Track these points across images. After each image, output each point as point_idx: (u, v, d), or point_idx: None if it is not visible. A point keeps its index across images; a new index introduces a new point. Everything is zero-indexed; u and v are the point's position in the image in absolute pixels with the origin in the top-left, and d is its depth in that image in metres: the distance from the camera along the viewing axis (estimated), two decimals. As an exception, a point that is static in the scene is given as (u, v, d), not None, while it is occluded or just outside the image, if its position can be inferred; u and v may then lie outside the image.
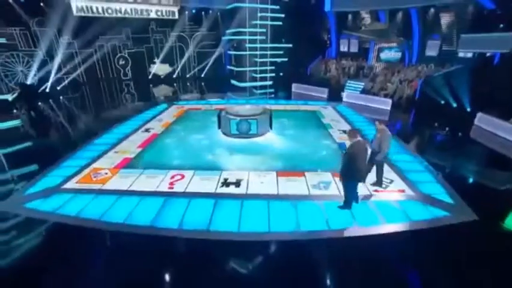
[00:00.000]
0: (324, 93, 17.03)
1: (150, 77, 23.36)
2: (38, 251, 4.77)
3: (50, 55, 18.52)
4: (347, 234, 4.89)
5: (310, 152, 8.44)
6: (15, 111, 13.93)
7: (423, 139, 10.63)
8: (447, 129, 11.70)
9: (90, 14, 16.61)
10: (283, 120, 11.43)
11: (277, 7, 19.44)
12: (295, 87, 18.80)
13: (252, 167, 7.29)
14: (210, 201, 5.79)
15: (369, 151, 5.76)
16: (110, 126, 10.84)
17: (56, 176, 6.85)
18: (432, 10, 16.44)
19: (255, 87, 19.94)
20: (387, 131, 6.06)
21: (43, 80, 18.33)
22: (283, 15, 19.71)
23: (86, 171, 7.13)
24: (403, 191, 6.18)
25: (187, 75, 24.34)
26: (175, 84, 21.97)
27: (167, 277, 4.20)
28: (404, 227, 5.08)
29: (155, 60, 23.09)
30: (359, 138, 5.11)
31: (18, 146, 9.51)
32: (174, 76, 24.03)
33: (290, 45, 21.29)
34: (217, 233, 4.92)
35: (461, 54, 15.64)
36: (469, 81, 13.33)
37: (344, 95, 16.00)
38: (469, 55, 15.55)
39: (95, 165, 7.48)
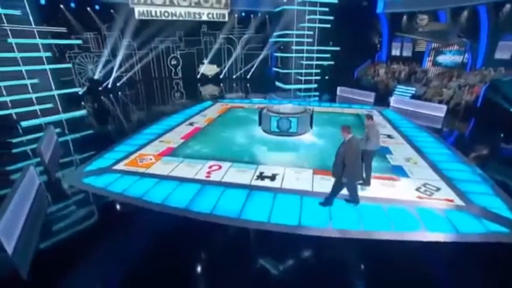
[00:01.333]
0: (370, 97, 16.22)
1: (198, 76, 24.59)
2: (86, 218, 5.39)
3: (113, 55, 20.61)
4: (382, 237, 4.60)
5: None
6: (82, 103, 15.78)
7: (484, 149, 9.49)
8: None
9: (149, 18, 18.12)
10: (324, 119, 11.21)
11: (327, 9, 19.16)
12: (340, 91, 18.21)
13: (288, 164, 7.26)
14: (243, 192, 5.90)
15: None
16: (158, 119, 11.69)
17: (109, 159, 7.62)
18: (508, 6, 14.36)
19: (299, 90, 19.83)
20: (376, 126, 6.12)
21: (106, 77, 20.45)
22: (332, 18, 19.36)
23: (134, 156, 7.79)
24: (452, 200, 5.61)
25: (234, 76, 25.11)
26: (221, 84, 22.81)
27: (192, 256, 4.36)
28: (449, 237, 4.60)
29: (204, 60, 24.27)
30: (352, 134, 4.96)
31: (83, 132, 10.88)
32: (221, 76, 24.97)
33: (338, 48, 20.80)
34: (247, 221, 4.99)
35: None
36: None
37: (392, 99, 15.05)
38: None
39: (142, 151, 8.13)
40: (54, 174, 7.04)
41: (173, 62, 24.22)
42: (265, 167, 7.08)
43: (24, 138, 9.84)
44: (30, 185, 5.81)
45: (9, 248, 4.21)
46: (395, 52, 21.15)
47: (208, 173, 6.75)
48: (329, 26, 19.67)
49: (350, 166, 4.84)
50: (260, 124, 9.89)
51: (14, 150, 8.84)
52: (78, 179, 6.57)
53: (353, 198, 5.41)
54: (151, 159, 7.57)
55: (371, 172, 6.16)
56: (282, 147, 8.57)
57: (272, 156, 7.94)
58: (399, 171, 6.89)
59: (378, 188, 6.06)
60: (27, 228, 4.87)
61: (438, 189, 6.00)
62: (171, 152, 8.11)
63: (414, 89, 16.02)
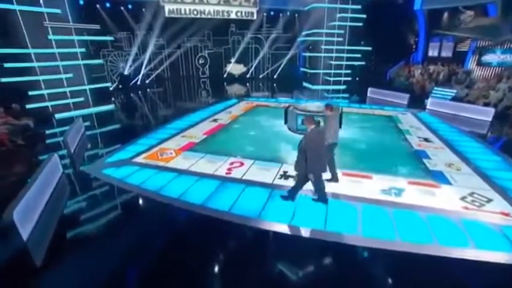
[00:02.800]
0: (404, 99, 15.11)
1: (225, 75, 24.60)
2: (104, 210, 5.27)
3: (143, 53, 21.16)
4: (422, 250, 3.97)
5: (382, 155, 7.46)
6: (112, 98, 16.23)
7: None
8: None
9: (179, 16, 18.33)
10: (353, 120, 10.57)
11: (359, 7, 18.30)
12: (371, 92, 17.21)
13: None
14: (265, 191, 5.51)
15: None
16: (182, 115, 11.65)
17: (130, 151, 7.59)
18: None
19: (327, 91, 19.10)
20: (334, 118, 5.72)
21: (135, 74, 21.03)
22: (364, 16, 18.46)
23: (155, 149, 7.68)
24: (508, 214, 4.81)
25: (260, 76, 24.82)
26: (247, 84, 22.60)
27: (205, 255, 4.03)
28: (508, 258, 3.87)
29: (231, 59, 24.24)
30: (315, 125, 4.63)
31: (109, 125, 11.19)
32: (248, 76, 24.78)
33: (369, 48, 19.81)
34: (267, 222, 4.59)
35: None
36: None
37: (429, 102, 13.89)
38: None
39: (163, 145, 8.02)
40: (78, 165, 7.08)
41: (201, 61, 24.46)
42: (289, 166, 6.62)
43: (57, 130, 10.18)
44: (52, 174, 5.82)
45: (25, 234, 4.14)
46: (433, 52, 19.72)
47: (229, 169, 6.43)
48: (360, 24, 18.77)
49: (312, 159, 4.51)
50: (286, 122, 9.45)
51: (48, 141, 9.15)
52: (98, 169, 6.55)
53: (321, 197, 5.02)
54: (171, 153, 7.42)
55: (335, 167, 5.77)
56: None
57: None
58: (439, 177, 6.13)
59: (415, 195, 5.40)
60: (45, 215, 4.82)
61: (489, 200, 5.21)
62: (192, 147, 7.92)
63: (454, 91, 14.74)
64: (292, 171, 6.27)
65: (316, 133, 4.62)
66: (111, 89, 17.76)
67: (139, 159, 7.05)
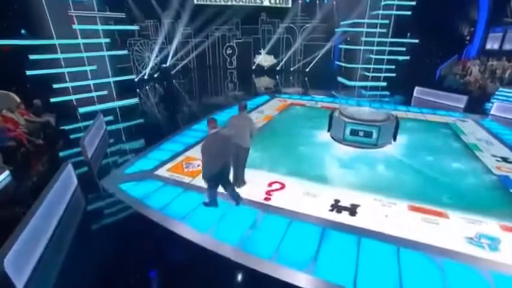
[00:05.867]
0: (460, 102, 13.12)
1: (254, 67, 23.35)
2: (115, 238, 4.49)
3: (170, 43, 20.38)
4: None
5: (454, 181, 5.99)
6: (137, 90, 15.58)
7: None
8: None
9: (207, 3, 17.19)
10: (406, 128, 9.02)
11: (408, -6, 16.13)
12: (417, 92, 15.26)
13: (371, 190, 5.47)
14: (315, 229, 4.35)
15: None
16: (210, 113, 10.62)
17: (152, 159, 6.70)
18: None
19: (365, 88, 17.32)
20: (248, 117, 5.49)
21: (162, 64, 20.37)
22: (413, 3, 16.26)
23: (180, 158, 6.72)
24: None
25: (291, 69, 23.26)
26: (277, 77, 21.20)
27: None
28: None
29: (261, 50, 22.88)
30: (217, 129, 4.36)
31: (132, 121, 10.58)
32: (278, 68, 23.34)
33: (416, 41, 17.62)
34: (323, 282, 3.46)
35: None
36: None
37: (494, 106, 11.91)
38: None
39: (188, 153, 7.03)
40: (95, 171, 6.28)
41: (229, 51, 23.31)
42: (340, 191, 5.40)
43: (81, 125, 9.60)
44: (64, 189, 5.04)
45: (20, 284, 3.30)
46: (492, 45, 17.20)
47: (268, 193, 5.31)
48: (409, 13, 16.60)
49: (206, 165, 4.32)
50: (329, 130, 8.13)
51: (71, 136, 8.58)
52: (115, 183, 5.64)
53: (211, 202, 4.81)
54: (198, 165, 6.38)
55: (243, 172, 5.47)
56: (360, 165, 6.68)
57: (348, 176, 6.11)
58: (545, 220, 4.67)
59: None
60: (50, 249, 3.99)
61: None
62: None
63: (527, 93, 12.57)
64: (345, 201, 5.09)
65: (218, 137, 4.30)
66: (136, 80, 17.15)
67: (162, 170, 6.12)
